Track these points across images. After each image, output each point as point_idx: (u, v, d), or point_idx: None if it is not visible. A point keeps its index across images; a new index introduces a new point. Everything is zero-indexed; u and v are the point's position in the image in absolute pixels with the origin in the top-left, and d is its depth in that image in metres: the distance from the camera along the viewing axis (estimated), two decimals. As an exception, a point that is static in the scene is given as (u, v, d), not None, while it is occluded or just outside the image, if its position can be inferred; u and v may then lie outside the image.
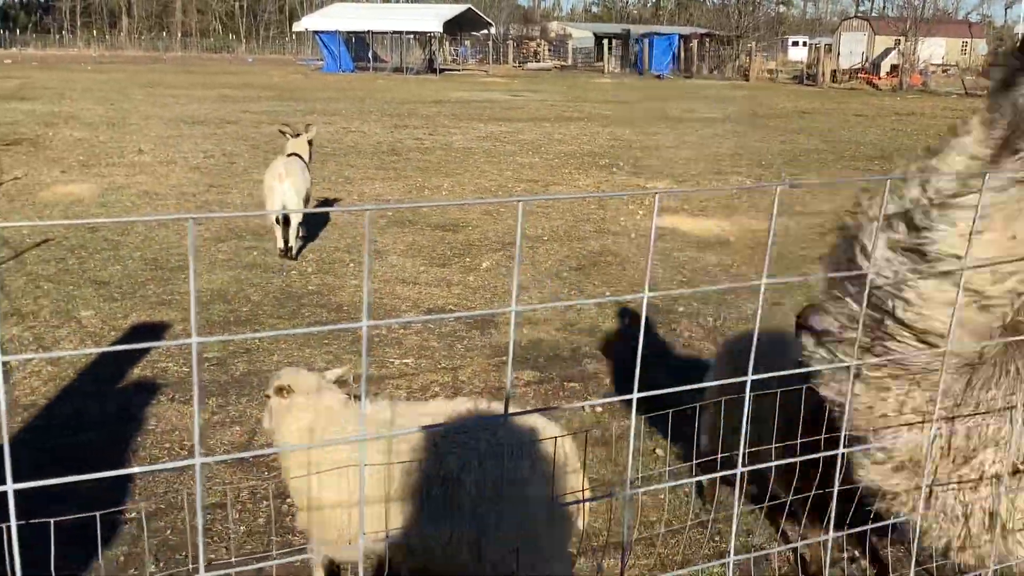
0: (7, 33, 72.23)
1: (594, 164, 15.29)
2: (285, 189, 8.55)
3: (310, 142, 9.48)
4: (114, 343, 6.17)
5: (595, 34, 68.01)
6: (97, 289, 7.36)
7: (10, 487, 1.48)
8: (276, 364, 5.83)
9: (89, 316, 6.71)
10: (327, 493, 3.10)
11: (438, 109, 25.49)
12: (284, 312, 7.02)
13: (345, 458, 3.07)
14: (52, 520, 2.65)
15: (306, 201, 8.93)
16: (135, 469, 1.22)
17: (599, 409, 5.30)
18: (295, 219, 8.51)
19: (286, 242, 8.59)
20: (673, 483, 4.23)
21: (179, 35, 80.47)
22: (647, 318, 6.91)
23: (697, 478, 4.39)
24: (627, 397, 1.58)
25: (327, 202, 11.34)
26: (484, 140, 18.33)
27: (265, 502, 4.14)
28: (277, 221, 8.53)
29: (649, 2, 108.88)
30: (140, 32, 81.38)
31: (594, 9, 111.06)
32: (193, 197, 11.35)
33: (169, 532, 3.94)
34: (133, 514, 4.06)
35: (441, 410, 3.30)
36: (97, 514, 2.66)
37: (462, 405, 3.30)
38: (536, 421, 3.21)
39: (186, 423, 4.98)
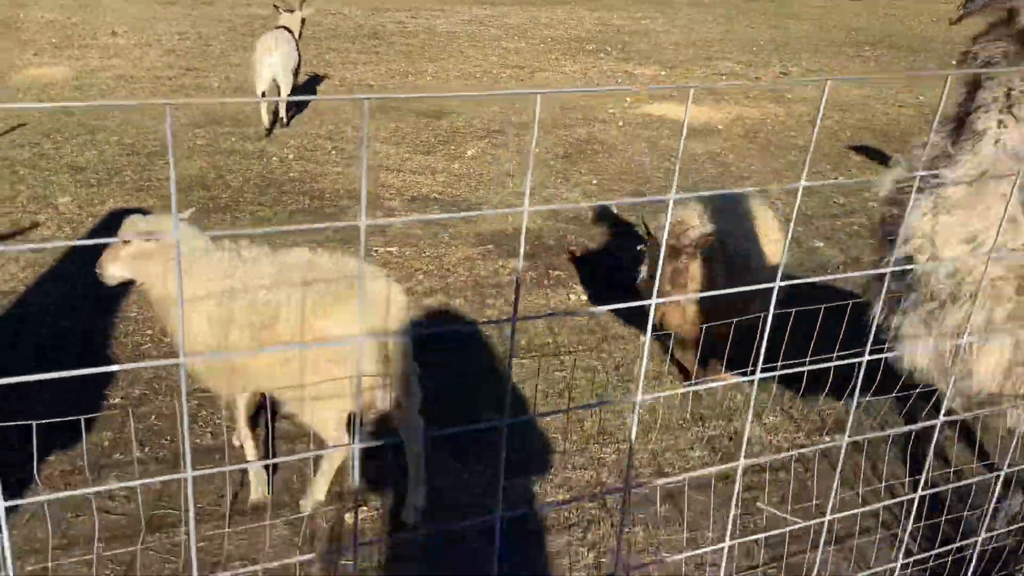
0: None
1: (581, 49, 14.95)
2: (274, 61, 8.57)
3: (303, 20, 9.45)
4: (92, 229, 6.08)
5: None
6: (74, 175, 7.21)
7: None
8: (258, 251, 5.76)
9: (67, 202, 6.59)
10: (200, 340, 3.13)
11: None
12: (265, 199, 6.91)
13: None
14: (34, 423, 2.64)
15: (294, 75, 8.93)
16: (115, 367, 1.17)
17: (584, 298, 5.29)
18: (284, 90, 8.58)
19: (275, 114, 8.67)
20: (686, 387, 4.24)
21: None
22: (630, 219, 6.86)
23: (706, 385, 4.43)
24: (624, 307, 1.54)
25: (310, 86, 11.08)
26: (468, 24, 17.85)
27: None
28: (263, 94, 8.56)
29: None
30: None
31: None
32: (169, 81, 11.06)
33: (154, 417, 3.95)
34: (118, 399, 4.05)
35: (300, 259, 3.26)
36: (82, 418, 2.63)
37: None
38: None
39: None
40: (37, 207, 6.48)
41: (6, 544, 1.21)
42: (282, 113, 8.78)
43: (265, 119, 8.67)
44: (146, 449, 3.76)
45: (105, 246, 3.30)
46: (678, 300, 3.87)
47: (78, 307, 4.93)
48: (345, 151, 8.31)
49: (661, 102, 10.81)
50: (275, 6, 9.58)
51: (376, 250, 5.93)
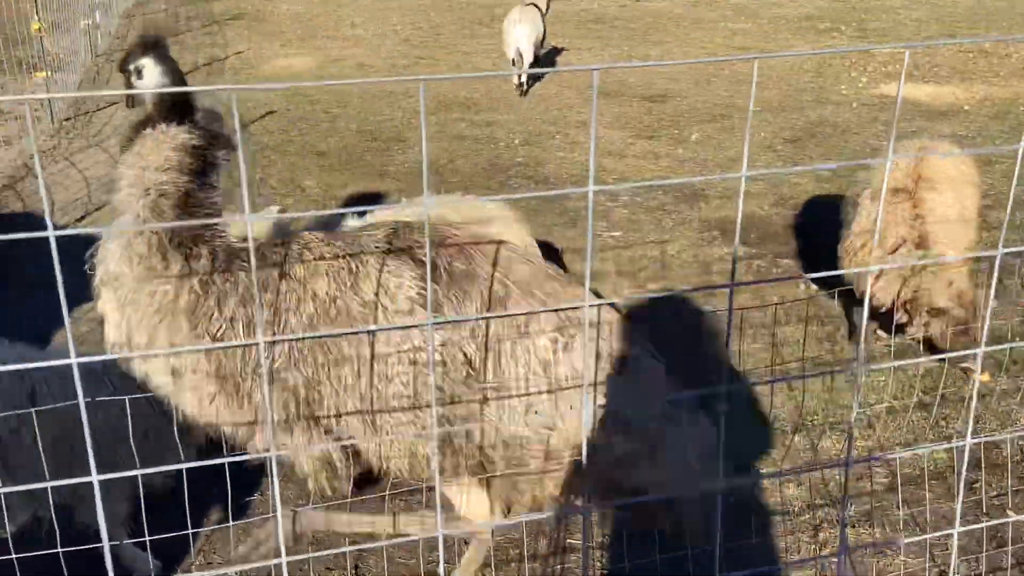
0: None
1: (812, 28, 14.35)
2: (519, 33, 9.81)
3: None
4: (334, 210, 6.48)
5: None
6: (318, 160, 7.71)
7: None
8: (486, 234, 5.95)
9: (311, 185, 7.06)
10: None
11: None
12: (493, 184, 7.11)
13: None
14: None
15: (538, 46, 10.10)
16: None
17: (814, 287, 5.11)
18: (527, 59, 9.85)
19: (520, 79, 9.97)
20: (899, 363, 4.05)
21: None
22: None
23: (927, 359, 4.19)
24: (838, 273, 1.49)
25: (549, 59, 11.31)
26: (693, 6, 17.54)
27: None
28: (513, 62, 10.03)
29: None
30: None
31: None
32: (404, 68, 11.57)
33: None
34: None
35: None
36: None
37: None
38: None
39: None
40: (285, 190, 6.98)
41: None
42: (523, 79, 9.96)
43: (515, 79, 10.00)
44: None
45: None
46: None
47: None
48: (569, 136, 8.40)
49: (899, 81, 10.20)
50: None
51: (600, 235, 5.98)
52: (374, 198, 6.81)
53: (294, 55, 12.51)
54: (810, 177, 7.21)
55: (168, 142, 2.51)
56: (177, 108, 2.53)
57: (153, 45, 2.60)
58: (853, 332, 4.55)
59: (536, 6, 10.16)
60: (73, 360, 1.30)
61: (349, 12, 16.92)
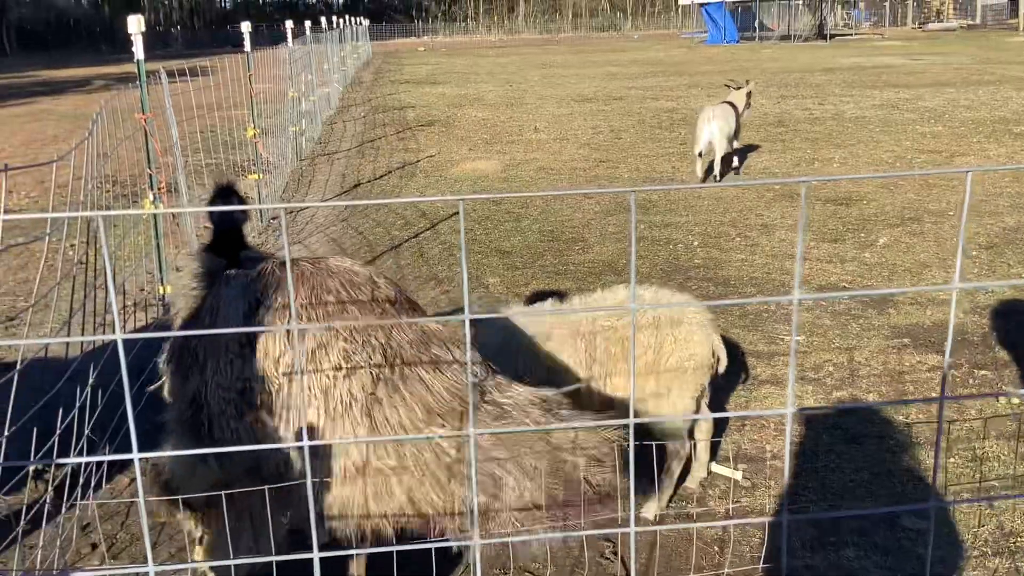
0: (420, 23, 79.98)
1: (1008, 132, 13.79)
2: (712, 128, 10.63)
3: (748, 94, 11.38)
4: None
5: (1011, -14, 60.95)
6: (501, 258, 7.98)
7: (472, 433, 1.68)
8: (665, 334, 5.97)
9: (495, 283, 7.31)
10: None
11: (828, 77, 24.34)
12: (671, 284, 7.14)
13: None
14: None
15: (731, 140, 10.99)
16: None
17: (1015, 400, 4.84)
18: (718, 154, 10.71)
19: (708, 170, 10.92)
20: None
21: (570, 16, 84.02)
22: (1076, 304, 6.18)
23: None
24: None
25: (743, 153, 11.41)
26: (879, 108, 17.23)
27: (660, 465, 4.27)
28: (700, 154, 10.86)
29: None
30: (535, 16, 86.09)
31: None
32: (584, 172, 11.88)
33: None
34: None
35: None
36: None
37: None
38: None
39: (584, 386, 5.28)
40: (470, 286, 7.25)
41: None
42: (716, 171, 10.81)
43: (699, 171, 10.98)
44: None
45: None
46: None
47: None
48: (749, 238, 8.36)
49: (1109, 188, 9.63)
50: (726, 84, 11.97)
51: (783, 338, 5.89)
52: (553, 296, 6.97)
53: (480, 158, 13.08)
54: (1010, 287, 6.87)
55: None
56: (228, 243, 3.07)
57: (225, 190, 3.12)
58: None
59: (732, 104, 11.05)
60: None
61: (532, 118, 17.58)
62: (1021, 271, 7.17)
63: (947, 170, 1.35)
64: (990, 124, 14.66)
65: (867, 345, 5.73)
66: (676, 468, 3.88)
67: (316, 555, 1.30)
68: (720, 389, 5.15)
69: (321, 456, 2.54)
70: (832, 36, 49.12)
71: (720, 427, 4.68)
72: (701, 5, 51.61)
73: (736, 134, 11.15)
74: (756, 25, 51.11)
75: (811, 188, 10.07)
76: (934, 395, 4.92)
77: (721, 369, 3.89)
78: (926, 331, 5.95)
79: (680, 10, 64.80)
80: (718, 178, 10.86)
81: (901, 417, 4.71)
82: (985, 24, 56.62)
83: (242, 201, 3.13)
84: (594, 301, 4.03)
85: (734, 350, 5.67)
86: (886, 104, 17.82)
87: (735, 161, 11.50)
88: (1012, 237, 8.06)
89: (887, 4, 58.41)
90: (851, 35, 52.50)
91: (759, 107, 17.89)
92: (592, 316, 3.74)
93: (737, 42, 47.52)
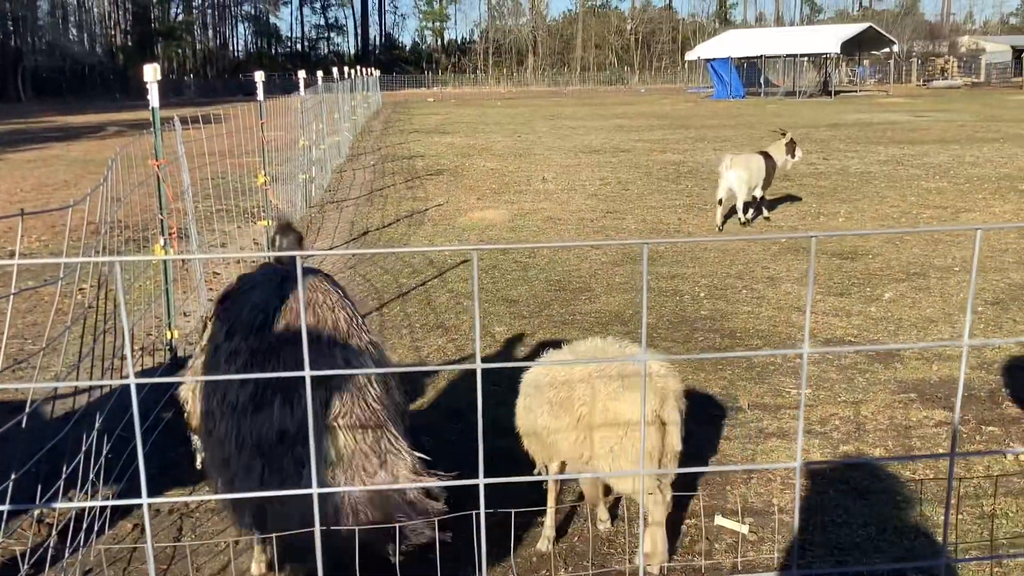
0: (430, 74, 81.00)
1: (1012, 188, 13.87)
2: (729, 176, 11.11)
3: (788, 145, 11.82)
4: (523, 359, 6.68)
5: (1013, 47, 61.70)
6: (508, 307, 8.01)
7: (481, 481, 1.69)
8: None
9: (502, 331, 7.32)
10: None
11: (833, 133, 24.56)
12: (678, 336, 7.16)
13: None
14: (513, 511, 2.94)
15: (754, 188, 11.35)
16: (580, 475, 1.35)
17: (1023, 457, 4.81)
18: (739, 200, 11.24)
19: (726, 218, 11.49)
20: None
21: (578, 70, 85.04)
22: (1083, 361, 6.17)
23: None
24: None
25: (772, 204, 11.44)
26: (884, 164, 17.35)
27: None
28: (720, 202, 11.29)
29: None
30: (544, 68, 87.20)
31: (1012, 20, 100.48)
32: (591, 222, 11.95)
33: (576, 538, 4.19)
34: (543, 518, 4.36)
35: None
36: (513, 511, 2.93)
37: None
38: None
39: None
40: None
41: None
42: (741, 216, 11.44)
43: (718, 219, 11.43)
44: (570, 568, 4.00)
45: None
46: None
47: (508, 429, 5.43)
48: (755, 290, 8.38)
49: (1115, 245, 9.66)
50: (779, 131, 12.45)
51: (789, 391, 5.88)
52: (559, 346, 6.97)
53: (488, 208, 13.17)
54: (1016, 344, 6.86)
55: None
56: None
57: (286, 228, 3.96)
58: None
59: (767, 154, 11.61)
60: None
61: (540, 168, 17.72)
62: (1028, 327, 7.17)
63: (956, 227, 1.37)
64: (995, 181, 14.75)
65: (873, 399, 5.72)
66: (658, 515, 3.75)
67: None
68: (728, 440, 5.14)
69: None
70: (837, 92, 49.62)
71: (727, 480, 4.66)
72: (707, 61, 52.23)
73: (764, 183, 11.49)
74: (761, 81, 51.68)
75: (817, 242, 10.10)
76: (941, 450, 4.90)
77: (672, 434, 3.62)
78: (933, 386, 5.94)
79: (687, 65, 65.59)
80: (720, 228, 11.31)
81: (908, 472, 4.69)
82: (989, 82, 57.20)
83: (299, 235, 3.98)
84: (555, 355, 4.12)
85: (735, 403, 5.67)
86: (891, 160, 17.95)
87: (764, 210, 11.85)
88: (1018, 293, 8.07)
89: (891, 61, 59.03)
90: (856, 92, 53.02)
91: (765, 161, 18.01)
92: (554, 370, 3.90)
93: (743, 97, 48.00)
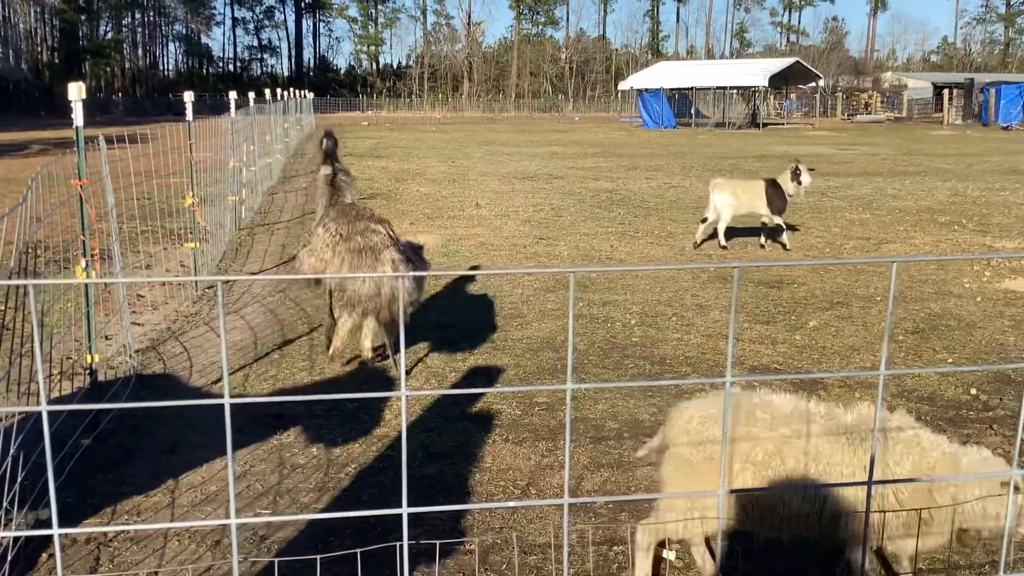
0: (365, 98, 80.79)
1: (932, 221, 14.32)
2: (713, 198, 11.78)
3: (791, 172, 11.74)
4: (454, 384, 6.65)
5: (934, 84, 63.99)
6: (440, 332, 7.97)
7: (405, 511, 1.67)
8: (601, 413, 6.01)
9: (433, 357, 7.29)
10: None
11: (761, 164, 25.10)
12: (608, 362, 7.20)
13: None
14: (437, 543, 2.92)
15: (743, 213, 11.86)
16: (488, 505, 1.34)
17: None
18: (723, 220, 11.83)
19: (711, 236, 12.14)
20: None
21: (513, 96, 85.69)
22: None
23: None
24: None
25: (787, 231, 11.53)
26: (809, 195, 17.70)
27: (593, 546, 4.25)
28: (704, 220, 12.06)
29: (996, 49, 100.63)
30: (479, 95, 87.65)
31: (933, 58, 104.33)
32: (524, 248, 12.00)
33: (504, 567, 4.17)
34: (471, 546, 4.34)
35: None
36: (476, 539, 2.90)
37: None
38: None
39: (519, 463, 5.26)
40: (407, 361, 7.22)
41: None
42: (721, 240, 11.95)
43: (697, 238, 12.18)
44: (494, 594, 3.96)
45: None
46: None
47: (440, 454, 5.38)
48: (685, 318, 8.49)
49: (1027, 277, 10.02)
50: (793, 160, 12.67)
51: (716, 418, 5.94)
52: (491, 371, 6.98)
53: (421, 232, 13.13)
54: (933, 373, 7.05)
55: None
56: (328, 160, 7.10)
57: (329, 132, 7.12)
58: None
59: (776, 182, 11.78)
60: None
61: (474, 194, 17.76)
62: (946, 356, 7.38)
63: (874, 259, 1.40)
64: (916, 213, 15.21)
65: (798, 426, 5.81)
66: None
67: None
68: (654, 467, 5.17)
69: None
70: (765, 125, 50.85)
71: (653, 507, 4.68)
72: (640, 91, 53.06)
73: (772, 209, 11.71)
74: (693, 112, 52.67)
75: (744, 271, 10.29)
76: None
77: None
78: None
79: (620, 95, 66.61)
80: (697, 244, 12.11)
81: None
82: (911, 117, 59.12)
83: (335, 140, 7.35)
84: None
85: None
86: (816, 191, 18.39)
87: (779, 234, 12.12)
88: (937, 323, 8.31)
89: (817, 95, 60.71)
90: (783, 124, 54.39)
91: (694, 190, 18.35)
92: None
93: (675, 127, 48.84)
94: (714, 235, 12.10)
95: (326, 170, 7.15)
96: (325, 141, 7.26)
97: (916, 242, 12.62)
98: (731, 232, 12.13)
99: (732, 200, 11.69)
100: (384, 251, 6.50)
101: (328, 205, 7.07)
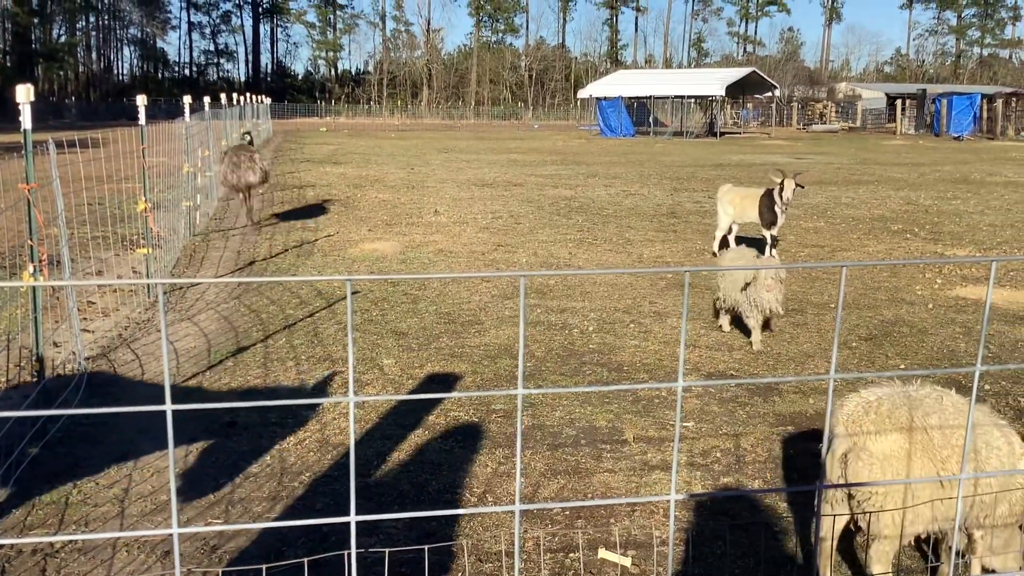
0: (323, 103, 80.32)
1: (885, 229, 14.54)
2: (717, 207, 12.14)
3: (778, 183, 11.49)
4: (411, 391, 6.61)
5: (887, 94, 65.08)
6: (397, 339, 7.93)
7: (353, 519, 1.65)
8: (558, 419, 6.00)
9: (390, 364, 7.24)
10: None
11: (718, 172, 25.33)
12: (566, 369, 7.20)
13: None
14: (387, 550, 2.88)
15: (742, 221, 12.01)
16: (445, 511, 1.32)
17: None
18: (717, 231, 12.21)
19: (723, 244, 12.11)
20: None
21: (472, 104, 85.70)
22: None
23: None
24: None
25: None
26: (766, 203, 17.95)
27: (549, 553, 4.24)
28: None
29: (948, 60, 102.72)
30: (438, 102, 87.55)
31: (887, 69, 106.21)
32: (482, 255, 11.98)
33: (459, 575, 4.14)
34: (424, 555, 4.30)
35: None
36: (426, 547, 2.87)
37: None
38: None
39: (476, 470, 5.23)
40: (364, 368, 7.16)
41: None
42: (714, 247, 12.18)
43: (715, 246, 12.26)
44: (450, 603, 3.94)
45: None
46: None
47: (396, 463, 5.34)
48: (643, 325, 8.52)
49: (976, 284, 10.20)
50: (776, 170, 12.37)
51: (672, 424, 5.97)
52: (448, 379, 6.94)
53: (379, 239, 13.07)
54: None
55: None
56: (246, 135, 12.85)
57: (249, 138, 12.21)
58: None
59: (770, 192, 11.69)
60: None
61: (432, 201, 17.71)
62: (899, 362, 7.48)
63: (824, 264, 1.41)
64: (869, 221, 15.43)
65: (753, 432, 5.86)
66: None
67: None
68: (613, 473, 5.18)
69: None
70: (722, 134, 51.34)
71: (610, 513, 4.68)
72: (598, 100, 53.29)
73: (764, 220, 11.65)
74: (651, 120, 53.03)
75: (700, 277, 10.36)
76: (816, 482, 5.02)
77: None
78: (809, 419, 6.12)
79: (579, 103, 66.85)
80: (715, 254, 12.05)
81: (784, 504, 4.80)
82: (865, 127, 60.03)
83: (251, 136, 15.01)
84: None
85: (621, 436, 5.73)
86: (772, 199, 18.59)
87: (768, 249, 11.99)
88: (889, 329, 8.42)
89: (773, 105, 61.44)
90: (740, 133, 54.93)
91: (653, 198, 18.47)
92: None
93: (633, 136, 49.12)
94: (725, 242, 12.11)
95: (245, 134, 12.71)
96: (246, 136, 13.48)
97: (869, 250, 12.80)
98: (740, 242, 11.98)
99: (731, 208, 11.85)
100: (252, 158, 13.86)
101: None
